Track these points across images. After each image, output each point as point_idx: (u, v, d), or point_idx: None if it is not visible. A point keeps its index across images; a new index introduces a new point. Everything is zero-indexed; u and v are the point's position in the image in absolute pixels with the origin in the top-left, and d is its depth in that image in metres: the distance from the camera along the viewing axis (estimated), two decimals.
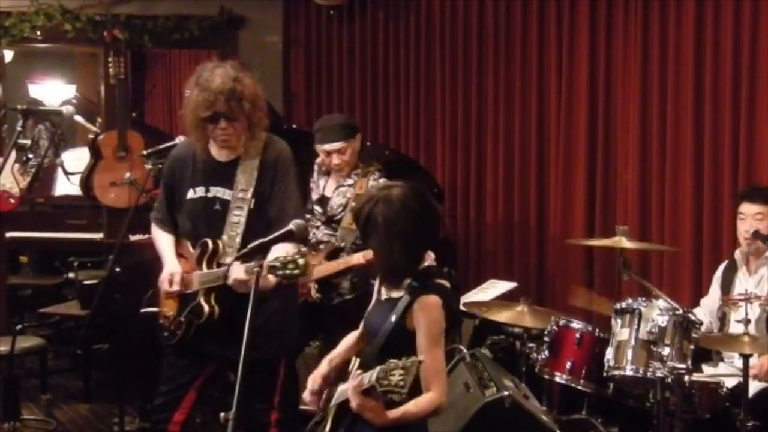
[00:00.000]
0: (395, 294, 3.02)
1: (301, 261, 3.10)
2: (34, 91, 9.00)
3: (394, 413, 2.82)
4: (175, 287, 3.70)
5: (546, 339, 4.42)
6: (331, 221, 4.69)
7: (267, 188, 3.65)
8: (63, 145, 7.79)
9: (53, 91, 8.97)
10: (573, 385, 4.32)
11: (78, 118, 7.19)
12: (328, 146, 4.60)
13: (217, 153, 3.73)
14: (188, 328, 3.70)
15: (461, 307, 4.79)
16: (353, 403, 2.81)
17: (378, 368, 2.70)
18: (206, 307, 3.61)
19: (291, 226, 3.16)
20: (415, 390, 2.79)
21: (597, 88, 5.86)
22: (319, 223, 4.74)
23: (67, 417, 5.71)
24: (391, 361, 2.67)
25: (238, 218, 3.61)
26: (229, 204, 3.64)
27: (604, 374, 4.14)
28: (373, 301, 3.18)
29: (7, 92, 7.61)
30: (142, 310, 4.05)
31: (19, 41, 7.31)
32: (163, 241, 3.88)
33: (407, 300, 2.93)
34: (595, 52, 5.86)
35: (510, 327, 5.00)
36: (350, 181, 4.65)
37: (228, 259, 3.56)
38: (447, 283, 3.02)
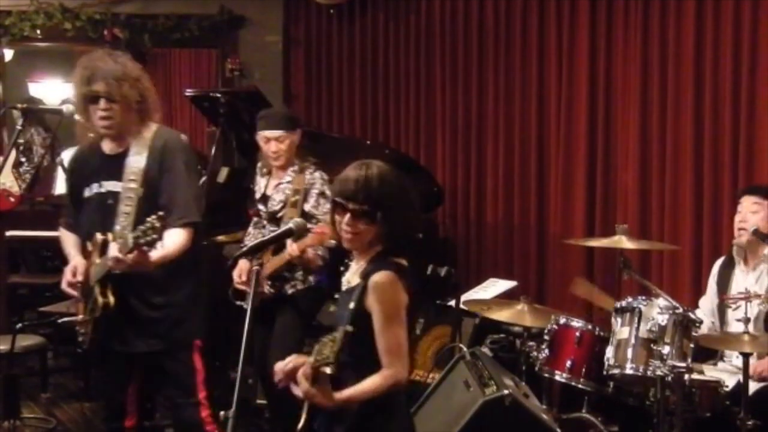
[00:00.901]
0: (354, 282, 2.97)
1: (158, 224, 3.26)
2: (34, 89, 8.99)
3: (342, 394, 2.78)
4: (79, 277, 3.68)
5: (546, 338, 4.41)
6: (273, 218, 4.83)
7: (156, 177, 3.60)
8: (57, 145, 7.78)
9: (53, 90, 8.97)
10: (573, 383, 4.32)
11: (78, 117, 7.18)
12: (268, 132, 4.77)
13: (108, 147, 3.70)
14: (94, 326, 3.64)
15: (461, 306, 4.79)
16: (299, 391, 2.78)
17: (315, 347, 2.68)
18: (100, 299, 3.56)
19: (290, 224, 3.15)
20: (374, 367, 2.80)
21: (597, 88, 5.87)
22: (264, 222, 4.91)
23: (67, 416, 5.70)
24: (326, 336, 2.66)
25: (128, 209, 3.57)
26: (119, 195, 3.61)
27: (604, 373, 4.13)
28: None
29: (7, 91, 7.62)
30: (60, 320, 4.04)
31: (19, 40, 7.34)
32: (68, 241, 3.88)
33: (362, 284, 2.88)
34: (595, 52, 5.87)
35: (510, 326, 5.01)
36: (288, 179, 4.81)
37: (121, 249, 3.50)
38: (404, 262, 2.94)
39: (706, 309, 4.65)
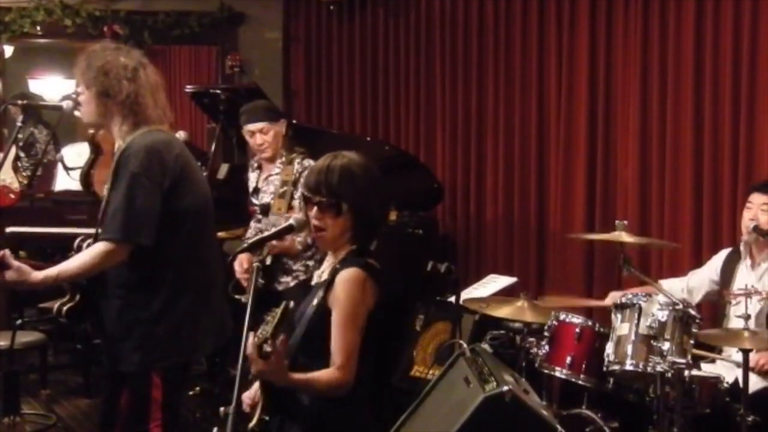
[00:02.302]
0: (325, 277, 2.89)
1: None
2: (34, 86, 9.00)
3: (299, 376, 2.70)
4: None
5: (546, 334, 4.41)
6: (265, 210, 4.88)
7: (111, 185, 3.44)
8: (57, 142, 7.79)
9: (53, 87, 8.97)
10: (573, 379, 4.32)
11: (78, 114, 7.18)
12: (251, 126, 4.86)
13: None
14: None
15: (461, 302, 4.79)
16: (253, 370, 2.69)
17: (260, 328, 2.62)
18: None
19: (291, 220, 3.11)
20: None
21: (597, 84, 5.86)
22: (259, 216, 4.97)
23: (67, 412, 5.71)
24: (269, 314, 2.60)
25: (100, 215, 3.49)
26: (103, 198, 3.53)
27: (604, 369, 4.13)
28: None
29: (7, 88, 7.63)
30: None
31: (19, 37, 7.34)
32: None
33: (327, 281, 2.80)
34: (595, 52, 5.86)
35: (510, 322, 5.00)
36: (277, 170, 4.86)
37: None
38: (376, 264, 2.84)
39: (688, 283, 4.65)
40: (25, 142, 6.76)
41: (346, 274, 2.77)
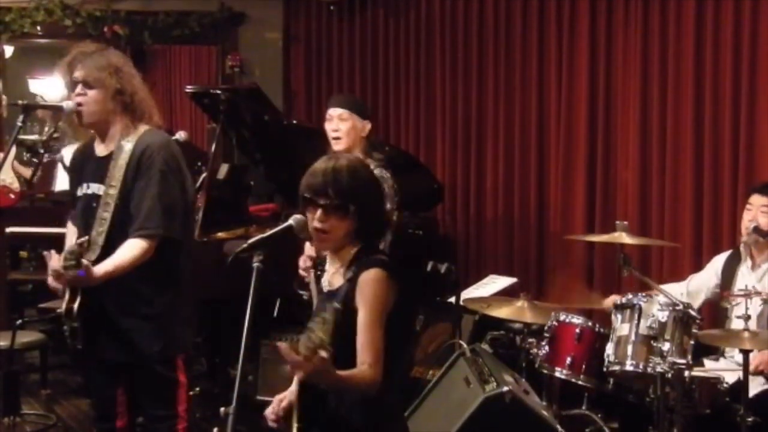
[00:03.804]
0: (336, 284, 2.88)
1: (76, 250, 3.29)
2: (34, 86, 9.00)
3: (343, 373, 2.65)
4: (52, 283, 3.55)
5: (546, 334, 4.42)
6: None
7: (131, 184, 3.47)
8: (59, 141, 7.80)
9: (54, 87, 8.98)
10: (573, 380, 4.32)
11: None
12: (331, 110, 4.66)
13: (99, 149, 3.61)
14: (71, 330, 3.55)
15: (461, 303, 4.79)
16: (300, 376, 2.67)
17: (302, 337, 2.55)
18: (64, 304, 3.49)
19: (290, 221, 3.09)
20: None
21: (597, 84, 5.87)
22: None
23: (67, 412, 5.70)
24: (312, 322, 2.55)
25: (105, 214, 3.48)
26: (100, 200, 3.52)
27: (604, 369, 4.13)
28: (316, 297, 3.11)
29: (7, 88, 7.62)
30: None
31: (20, 37, 7.35)
32: (69, 235, 3.77)
33: (348, 285, 2.79)
34: (595, 52, 5.87)
35: (510, 322, 5.01)
36: None
37: (92, 256, 3.44)
38: (391, 261, 2.86)
39: (691, 287, 4.65)
40: (48, 138, 6.75)
41: (372, 275, 2.77)
